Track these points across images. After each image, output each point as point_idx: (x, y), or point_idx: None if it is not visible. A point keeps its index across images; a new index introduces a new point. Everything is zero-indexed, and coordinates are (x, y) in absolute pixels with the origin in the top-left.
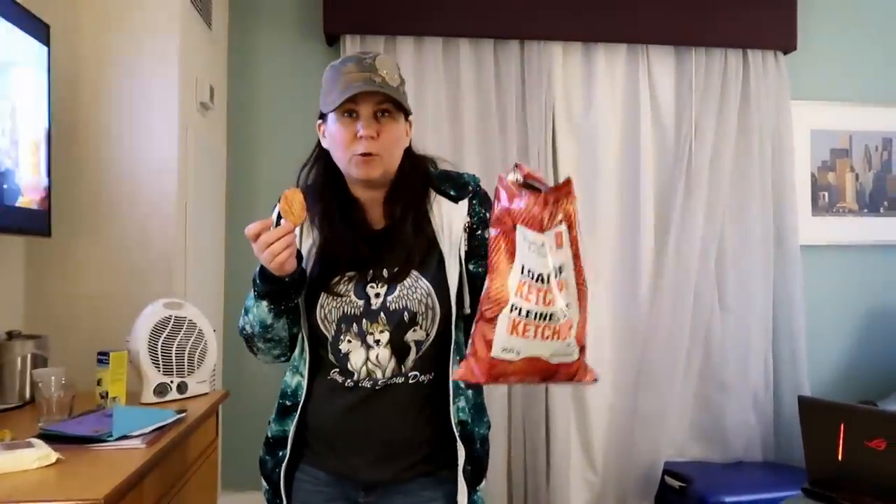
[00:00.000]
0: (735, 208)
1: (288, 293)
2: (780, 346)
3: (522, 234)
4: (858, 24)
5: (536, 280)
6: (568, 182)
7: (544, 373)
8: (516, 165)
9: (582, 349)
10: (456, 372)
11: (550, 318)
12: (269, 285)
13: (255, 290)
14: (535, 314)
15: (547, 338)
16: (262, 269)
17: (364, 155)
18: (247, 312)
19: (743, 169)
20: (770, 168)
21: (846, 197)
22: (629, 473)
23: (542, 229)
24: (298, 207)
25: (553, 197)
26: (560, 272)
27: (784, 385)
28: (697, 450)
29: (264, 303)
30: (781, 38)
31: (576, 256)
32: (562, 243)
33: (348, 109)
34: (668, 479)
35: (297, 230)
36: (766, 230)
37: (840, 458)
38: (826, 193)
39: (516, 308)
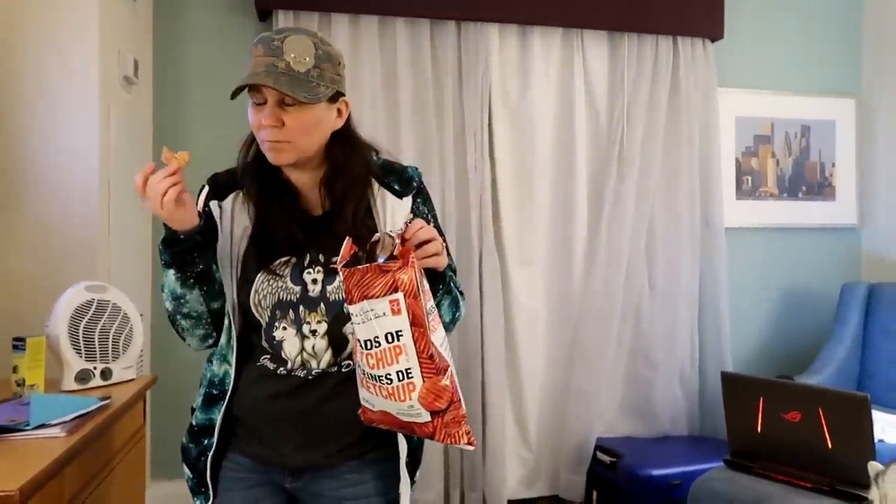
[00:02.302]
0: (664, 192)
1: (191, 255)
2: (706, 325)
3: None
4: (781, 16)
5: (364, 345)
6: (403, 253)
7: (403, 426)
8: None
9: (437, 413)
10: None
11: (381, 380)
12: (171, 247)
13: (161, 260)
14: (369, 374)
15: (386, 397)
16: (164, 237)
17: (271, 142)
18: (163, 289)
19: (672, 153)
20: (697, 153)
21: (768, 182)
22: (562, 450)
23: (373, 296)
24: (183, 154)
25: (385, 267)
26: (396, 338)
27: (709, 362)
28: (627, 425)
29: (171, 271)
30: (709, 26)
31: (416, 325)
32: (399, 311)
33: (256, 96)
34: (600, 455)
35: (228, 209)
36: (694, 213)
37: (759, 429)
38: (749, 178)
39: (359, 365)
